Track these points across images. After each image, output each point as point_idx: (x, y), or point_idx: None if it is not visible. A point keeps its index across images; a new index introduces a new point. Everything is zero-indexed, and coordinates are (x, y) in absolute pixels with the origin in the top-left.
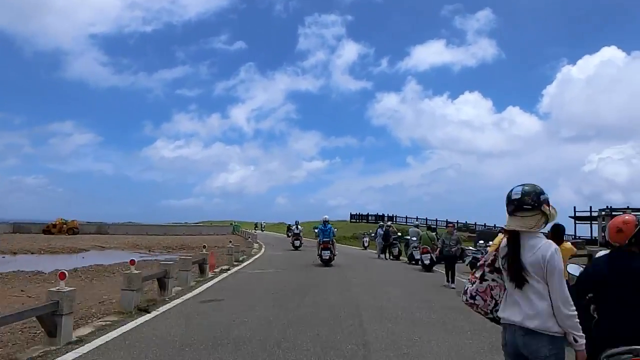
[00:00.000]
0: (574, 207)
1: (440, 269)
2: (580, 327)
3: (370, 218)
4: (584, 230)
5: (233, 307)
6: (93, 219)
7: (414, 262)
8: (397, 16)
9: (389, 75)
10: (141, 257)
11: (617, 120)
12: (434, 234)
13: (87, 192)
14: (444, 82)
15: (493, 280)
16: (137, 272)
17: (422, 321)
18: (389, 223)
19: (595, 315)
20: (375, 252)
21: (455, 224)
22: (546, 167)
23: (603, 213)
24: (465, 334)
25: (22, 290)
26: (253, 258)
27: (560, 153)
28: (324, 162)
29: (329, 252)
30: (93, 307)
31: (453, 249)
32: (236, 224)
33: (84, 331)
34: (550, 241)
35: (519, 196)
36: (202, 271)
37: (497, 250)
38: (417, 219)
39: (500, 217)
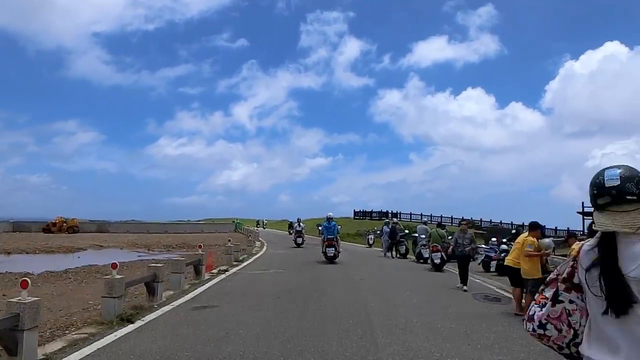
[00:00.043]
0: (582, 203)
1: (451, 268)
2: None
3: (374, 215)
4: None
5: (228, 315)
6: (96, 217)
7: (422, 260)
8: (399, 12)
9: (391, 72)
10: (139, 256)
11: (621, 115)
12: (444, 231)
13: (91, 190)
14: (446, 79)
15: (571, 301)
16: (120, 276)
17: (440, 331)
18: (395, 220)
19: None
20: (381, 250)
21: (469, 221)
22: (549, 162)
23: None
24: (492, 348)
25: (4, 295)
26: (254, 257)
27: (564, 149)
28: (327, 159)
29: (333, 249)
30: (75, 315)
31: (466, 249)
32: (238, 221)
33: (53, 347)
34: None
35: (618, 182)
36: (197, 273)
37: (575, 258)
38: (421, 215)
39: (504, 214)
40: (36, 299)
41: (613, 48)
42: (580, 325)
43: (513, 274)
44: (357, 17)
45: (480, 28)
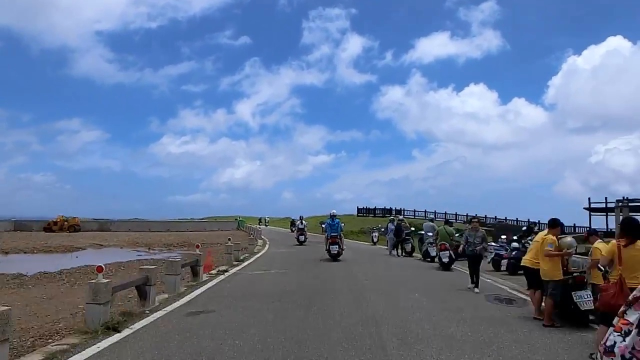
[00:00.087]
0: (589, 198)
1: (459, 267)
2: None
3: (377, 212)
4: (599, 222)
5: (224, 322)
6: (100, 216)
7: (429, 259)
8: (400, 9)
9: (393, 68)
10: (138, 255)
11: (624, 110)
12: (452, 228)
13: (95, 188)
14: (448, 75)
15: None
16: (106, 281)
17: (456, 339)
18: (401, 217)
19: None
20: (385, 247)
21: (480, 219)
22: (552, 158)
23: (620, 204)
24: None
25: None
26: (255, 256)
27: (567, 144)
28: (330, 156)
29: (337, 246)
30: (62, 321)
31: (478, 248)
32: (241, 219)
33: None
34: None
35: None
36: (195, 274)
37: None
38: (425, 212)
39: (507, 210)
40: (6, 308)
41: (616, 43)
42: None
43: (531, 275)
44: (359, 14)
45: (482, 24)
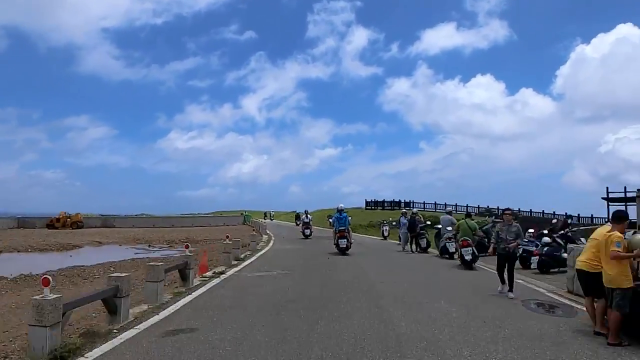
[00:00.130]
0: (607, 188)
1: (482, 264)
2: None
3: (386, 205)
4: None
5: (207, 346)
6: (109, 212)
7: (447, 255)
8: (406, 0)
9: (399, 60)
10: (135, 253)
11: (634, 99)
12: (474, 222)
13: (103, 185)
14: (455, 66)
15: None
16: (54, 296)
17: None
18: (415, 210)
19: None
20: (397, 242)
21: (515, 212)
22: (561, 148)
23: None
24: None
25: None
26: (258, 254)
27: (575, 134)
28: (336, 149)
29: (345, 240)
30: (19, 339)
31: (511, 245)
32: (247, 214)
33: None
34: None
35: None
36: (183, 278)
37: None
38: (435, 204)
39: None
40: None
41: (625, 30)
42: None
43: (589, 281)
44: (364, 6)
45: (489, 13)
